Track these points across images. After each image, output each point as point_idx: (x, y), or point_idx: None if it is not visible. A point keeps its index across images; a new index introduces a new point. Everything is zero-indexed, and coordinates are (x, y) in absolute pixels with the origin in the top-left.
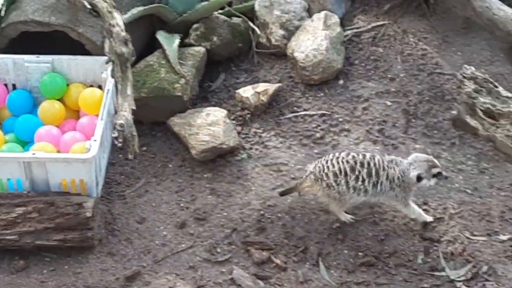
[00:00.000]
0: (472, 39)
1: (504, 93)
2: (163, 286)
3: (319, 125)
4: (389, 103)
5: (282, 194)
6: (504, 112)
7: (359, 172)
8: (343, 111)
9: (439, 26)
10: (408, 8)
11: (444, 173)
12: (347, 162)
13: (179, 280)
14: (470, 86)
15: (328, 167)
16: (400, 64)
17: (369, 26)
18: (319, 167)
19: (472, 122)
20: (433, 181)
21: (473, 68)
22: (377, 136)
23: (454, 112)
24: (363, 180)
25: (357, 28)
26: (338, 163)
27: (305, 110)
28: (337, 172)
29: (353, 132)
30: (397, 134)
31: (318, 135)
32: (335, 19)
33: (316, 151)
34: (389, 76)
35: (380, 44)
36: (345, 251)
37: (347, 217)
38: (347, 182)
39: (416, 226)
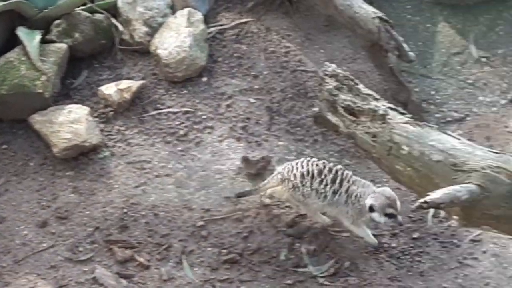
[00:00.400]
0: (334, 37)
1: (365, 90)
2: (23, 287)
3: (182, 123)
4: (252, 100)
5: (239, 196)
6: (364, 109)
7: (325, 176)
8: (206, 108)
9: (302, 24)
10: (271, 6)
11: (399, 218)
12: (317, 165)
13: (40, 279)
14: (331, 84)
15: (297, 168)
16: (264, 62)
17: (233, 24)
18: (288, 168)
19: (333, 119)
20: (383, 219)
21: (334, 66)
22: (240, 133)
23: (316, 109)
24: (326, 185)
25: (221, 25)
26: (308, 165)
27: (168, 107)
28: (305, 173)
29: (217, 129)
30: (260, 131)
31: (181, 132)
32: (199, 16)
33: (179, 148)
34: (252, 73)
35: (244, 41)
36: (209, 249)
37: (325, 220)
38: (311, 184)
39: (280, 223)
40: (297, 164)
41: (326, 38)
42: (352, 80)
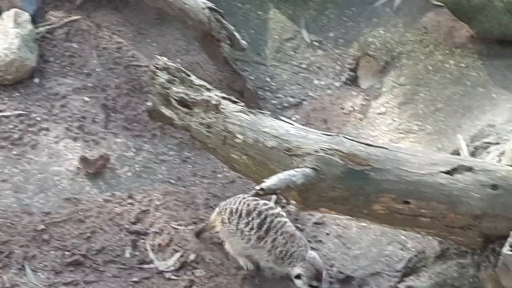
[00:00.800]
0: (166, 30)
1: (197, 81)
2: None
3: (16, 126)
4: (87, 99)
5: (197, 234)
6: (198, 100)
7: (253, 219)
8: (40, 110)
9: (132, 19)
10: (101, 2)
11: None
12: (248, 205)
13: None
14: (163, 77)
15: (231, 202)
16: (96, 59)
17: (62, 22)
18: (226, 202)
19: (168, 112)
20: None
21: (165, 59)
22: (77, 133)
23: (149, 103)
24: (252, 228)
25: (50, 24)
26: (239, 203)
27: (0, 111)
28: (234, 210)
29: (52, 130)
30: (97, 130)
31: (16, 136)
32: (26, 16)
33: (14, 152)
34: (85, 71)
35: (74, 39)
36: (52, 252)
37: (246, 263)
38: (237, 224)
39: (122, 220)
40: (234, 199)
41: (158, 32)
42: (184, 72)
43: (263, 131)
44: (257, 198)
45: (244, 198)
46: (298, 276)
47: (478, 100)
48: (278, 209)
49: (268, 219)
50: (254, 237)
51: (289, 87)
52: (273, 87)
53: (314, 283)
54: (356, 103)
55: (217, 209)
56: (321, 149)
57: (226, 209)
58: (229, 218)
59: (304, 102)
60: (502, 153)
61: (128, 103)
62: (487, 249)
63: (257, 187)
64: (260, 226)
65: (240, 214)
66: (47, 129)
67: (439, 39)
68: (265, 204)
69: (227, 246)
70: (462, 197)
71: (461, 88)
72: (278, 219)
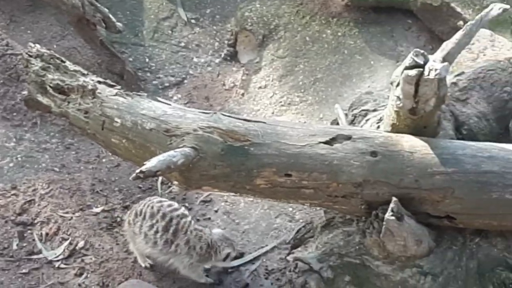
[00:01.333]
0: (40, 16)
1: (72, 67)
2: None
3: None
4: None
5: None
6: (74, 86)
7: (157, 221)
8: None
9: (4, 7)
10: None
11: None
12: (151, 208)
13: None
14: (37, 64)
15: (139, 203)
16: None
17: None
18: (137, 204)
19: (44, 100)
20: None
21: (38, 46)
22: None
23: (25, 92)
24: (157, 232)
25: None
26: (144, 205)
27: None
28: (138, 212)
29: None
30: None
31: None
32: None
33: None
34: None
35: None
36: None
37: (145, 261)
38: (141, 226)
39: (7, 212)
40: (143, 201)
41: (32, 18)
42: (58, 58)
43: (141, 114)
44: (162, 200)
45: (149, 201)
46: (227, 256)
47: (357, 68)
48: (182, 209)
49: (174, 221)
50: (161, 241)
51: (169, 67)
52: (153, 68)
53: (238, 253)
54: (237, 78)
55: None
56: (199, 127)
57: (132, 211)
58: (133, 220)
59: (185, 81)
60: (380, 120)
61: (5, 93)
62: (371, 215)
63: (138, 171)
64: (166, 229)
65: (144, 216)
66: None
67: (315, 10)
68: (169, 206)
69: (131, 247)
70: (343, 166)
71: (340, 57)
72: (184, 220)
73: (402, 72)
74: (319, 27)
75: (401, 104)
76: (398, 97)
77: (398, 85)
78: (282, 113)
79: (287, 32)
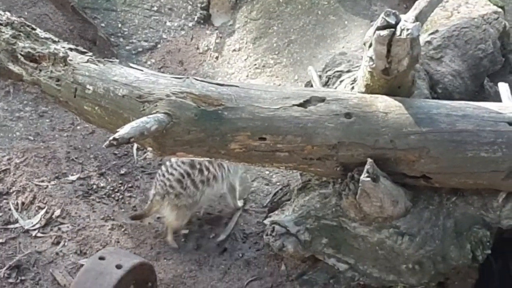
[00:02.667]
0: None
1: (43, 34)
2: None
3: None
4: None
5: (134, 218)
6: (45, 53)
7: (200, 165)
8: None
9: None
10: None
11: None
12: (183, 163)
13: None
14: (7, 33)
15: (168, 179)
16: None
17: None
18: (160, 184)
19: (16, 68)
20: None
21: (8, 13)
22: None
23: None
24: (207, 169)
25: None
26: (175, 169)
27: None
28: (180, 177)
29: None
30: None
31: None
32: None
33: None
34: None
35: None
36: None
37: (173, 243)
38: (193, 181)
39: None
40: (164, 176)
41: None
42: (28, 26)
43: (113, 80)
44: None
45: (171, 166)
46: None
47: (331, 29)
48: None
49: (196, 161)
50: (216, 173)
51: (142, 31)
52: (126, 33)
53: None
54: (211, 41)
55: (157, 198)
56: (172, 93)
57: (171, 185)
58: (182, 187)
59: (159, 46)
60: (354, 81)
61: None
62: (347, 177)
63: (111, 138)
64: (208, 165)
65: (188, 173)
66: None
67: None
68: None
69: (177, 221)
70: (317, 128)
71: (313, 18)
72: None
73: (374, 33)
74: None
75: (374, 65)
76: (371, 57)
77: (370, 45)
78: (257, 76)
79: None
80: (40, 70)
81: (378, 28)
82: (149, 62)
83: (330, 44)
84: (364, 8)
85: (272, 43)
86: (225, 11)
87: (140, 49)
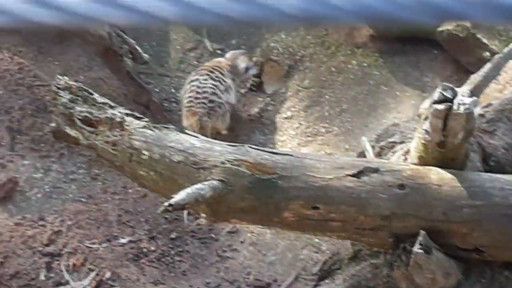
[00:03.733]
0: (67, 47)
1: (100, 99)
2: None
3: None
4: None
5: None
6: (102, 118)
7: (221, 74)
8: None
9: (32, 38)
10: None
11: None
12: (207, 74)
13: None
14: (65, 97)
15: (197, 97)
16: None
17: None
18: (189, 101)
19: (73, 132)
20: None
21: (66, 78)
22: None
23: (53, 124)
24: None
25: None
26: (201, 83)
27: None
28: (210, 90)
29: None
30: (3, 153)
31: None
32: None
33: None
34: None
35: None
36: None
37: None
38: (220, 91)
39: (35, 243)
40: (191, 92)
41: (59, 50)
42: (86, 90)
43: (168, 146)
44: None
45: (196, 80)
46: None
47: (383, 99)
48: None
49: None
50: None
51: None
52: (179, 98)
53: None
54: (262, 109)
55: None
56: (227, 160)
57: (202, 103)
58: (214, 93)
59: None
60: (407, 152)
61: (33, 124)
62: (399, 248)
63: (166, 204)
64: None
65: (214, 85)
66: None
67: (340, 40)
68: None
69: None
70: (370, 198)
71: (365, 88)
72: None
73: (431, 106)
74: (345, 58)
75: (429, 138)
76: (426, 130)
77: (426, 118)
78: (308, 144)
79: (313, 63)
80: (97, 135)
81: (435, 102)
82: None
83: (382, 114)
84: (416, 79)
85: (324, 111)
86: (277, 79)
87: None
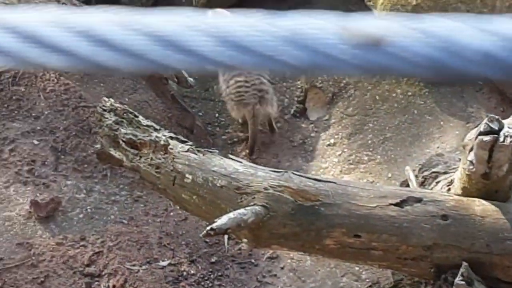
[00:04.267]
0: None
1: (145, 122)
2: None
3: None
4: (36, 142)
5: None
6: (146, 141)
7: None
8: None
9: None
10: None
11: None
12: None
13: None
14: (110, 118)
15: (247, 90)
16: (44, 101)
17: (8, 66)
18: (239, 95)
19: (117, 154)
20: None
21: (112, 100)
22: (27, 177)
23: (98, 146)
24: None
25: None
26: (247, 76)
27: None
28: (258, 81)
29: (2, 175)
30: (47, 173)
31: None
32: None
33: None
34: (33, 114)
35: (21, 83)
36: None
37: None
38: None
39: (76, 263)
40: (246, 83)
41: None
42: (131, 113)
43: (212, 171)
44: None
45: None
46: None
47: (426, 128)
48: None
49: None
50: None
51: (238, 122)
52: (223, 123)
53: None
54: (306, 135)
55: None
56: (270, 186)
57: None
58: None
59: None
60: (451, 182)
61: (77, 145)
62: (440, 279)
63: (208, 228)
64: None
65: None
66: None
67: None
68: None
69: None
70: (413, 228)
71: (409, 117)
72: None
73: (476, 137)
74: (389, 86)
75: (474, 169)
76: (471, 161)
77: (471, 149)
78: (350, 171)
79: (357, 91)
80: (141, 157)
81: (481, 133)
82: (243, 153)
83: (425, 144)
84: (460, 109)
85: (367, 139)
86: (321, 106)
87: (235, 139)
